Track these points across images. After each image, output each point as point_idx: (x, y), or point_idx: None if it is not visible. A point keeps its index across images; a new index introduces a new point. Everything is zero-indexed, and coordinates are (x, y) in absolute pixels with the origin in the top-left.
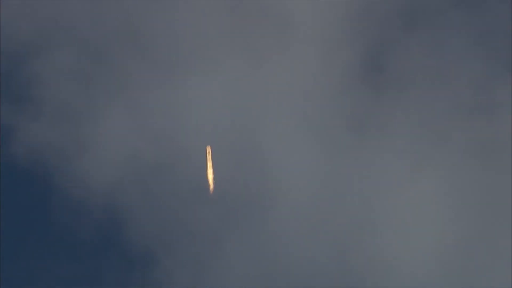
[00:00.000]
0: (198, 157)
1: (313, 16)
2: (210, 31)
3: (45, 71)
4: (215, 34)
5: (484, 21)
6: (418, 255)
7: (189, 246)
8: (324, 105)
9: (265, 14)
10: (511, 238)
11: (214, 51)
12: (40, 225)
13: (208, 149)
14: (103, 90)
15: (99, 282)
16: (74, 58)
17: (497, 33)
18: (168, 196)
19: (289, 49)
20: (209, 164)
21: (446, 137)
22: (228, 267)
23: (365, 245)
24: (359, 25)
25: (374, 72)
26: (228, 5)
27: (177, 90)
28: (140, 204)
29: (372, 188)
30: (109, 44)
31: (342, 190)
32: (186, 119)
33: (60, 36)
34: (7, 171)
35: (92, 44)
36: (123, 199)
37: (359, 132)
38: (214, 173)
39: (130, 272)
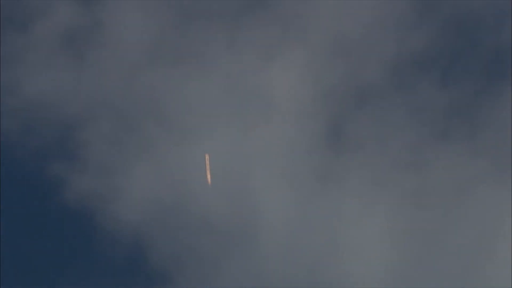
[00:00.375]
0: (204, 201)
1: (289, 96)
2: (212, 106)
3: (89, 136)
4: (216, 108)
5: (416, 100)
6: (370, 272)
7: (197, 267)
8: (297, 162)
9: (253, 92)
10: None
11: (214, 121)
12: (84, 253)
13: (207, 157)
14: (133, 150)
15: None
16: (111, 126)
17: (426, 108)
18: (181, 229)
19: (271, 120)
20: (208, 171)
21: (388, 186)
22: (226, 283)
23: (331, 266)
24: (324, 103)
25: (335, 137)
26: (226, 86)
27: (188, 149)
28: (160, 236)
29: (334, 223)
30: (137, 116)
31: (311, 224)
32: (195, 171)
33: (101, 111)
34: (63, 213)
35: (125, 116)
36: (147, 232)
37: (324, 182)
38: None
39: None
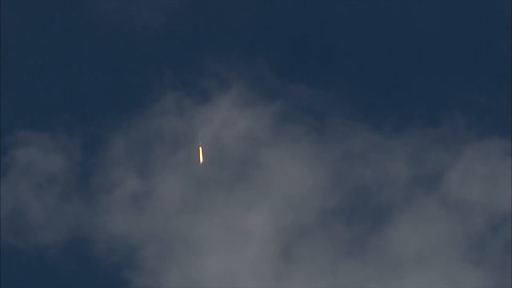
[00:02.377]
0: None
1: (259, 232)
2: (209, 237)
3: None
4: (212, 239)
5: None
6: None
7: None
8: (261, 269)
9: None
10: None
11: (214, 247)
12: None
13: (200, 149)
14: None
15: None
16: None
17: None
18: None
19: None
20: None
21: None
22: None
23: None
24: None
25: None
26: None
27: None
28: None
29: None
30: (173, 243)
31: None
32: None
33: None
34: None
35: (166, 243)
36: None
37: (287, 262)
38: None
39: None
